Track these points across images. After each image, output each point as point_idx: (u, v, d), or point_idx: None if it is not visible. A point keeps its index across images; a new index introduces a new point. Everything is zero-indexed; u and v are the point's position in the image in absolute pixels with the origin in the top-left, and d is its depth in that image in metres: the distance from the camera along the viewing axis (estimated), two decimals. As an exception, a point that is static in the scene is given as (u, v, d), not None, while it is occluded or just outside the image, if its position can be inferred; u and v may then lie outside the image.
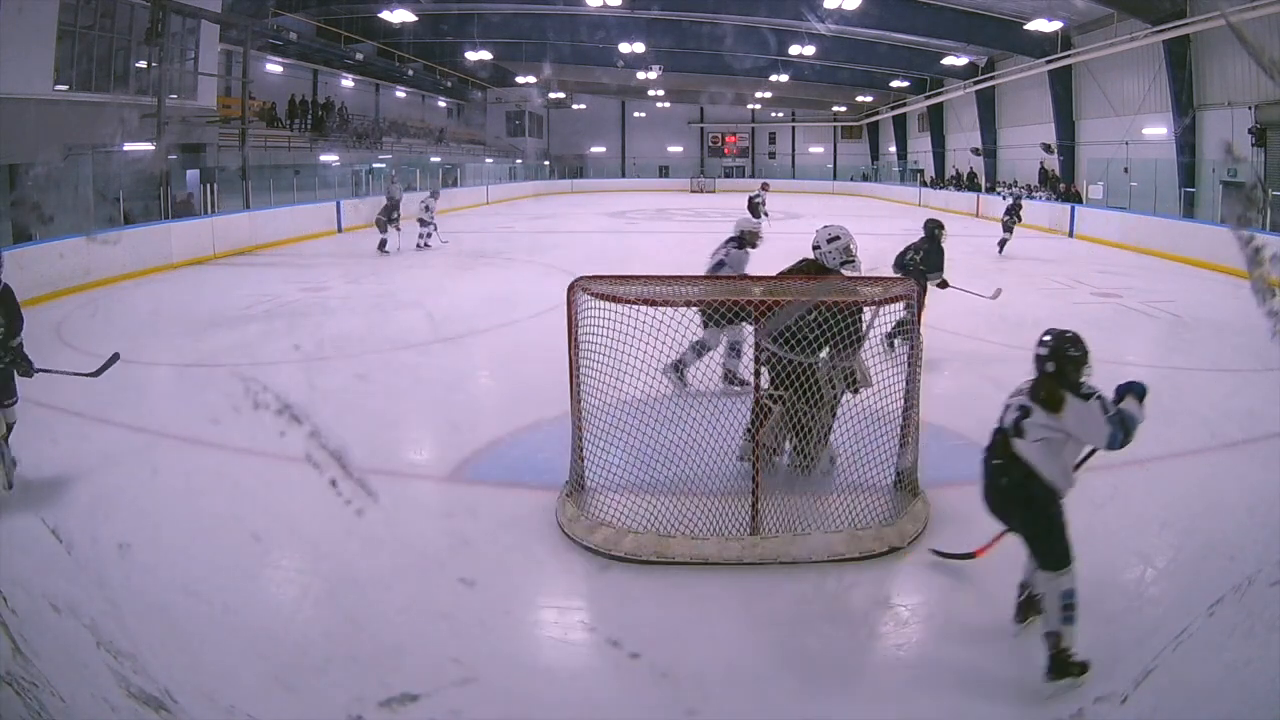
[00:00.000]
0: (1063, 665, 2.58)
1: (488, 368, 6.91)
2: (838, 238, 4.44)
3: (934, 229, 7.08)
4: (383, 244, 13.74)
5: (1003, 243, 14.12)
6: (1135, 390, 2.70)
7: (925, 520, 3.74)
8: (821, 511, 3.64)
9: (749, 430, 4.05)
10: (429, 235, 14.31)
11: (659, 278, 4.00)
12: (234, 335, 7.82)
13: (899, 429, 3.91)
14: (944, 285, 7.11)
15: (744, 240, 5.74)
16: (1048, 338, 2.70)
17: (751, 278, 4.08)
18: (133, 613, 2.87)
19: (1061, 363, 2.65)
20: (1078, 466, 2.75)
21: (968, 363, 6.79)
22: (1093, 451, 2.76)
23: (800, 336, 3.81)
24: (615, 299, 3.54)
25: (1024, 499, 2.65)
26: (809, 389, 3.80)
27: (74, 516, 3.83)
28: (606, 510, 3.64)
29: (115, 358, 4.64)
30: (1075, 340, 2.67)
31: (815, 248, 4.51)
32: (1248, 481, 4.23)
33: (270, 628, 3.01)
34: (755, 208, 16.35)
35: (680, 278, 4.13)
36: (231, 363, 6.72)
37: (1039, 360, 2.70)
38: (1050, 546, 2.62)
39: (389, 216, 13.80)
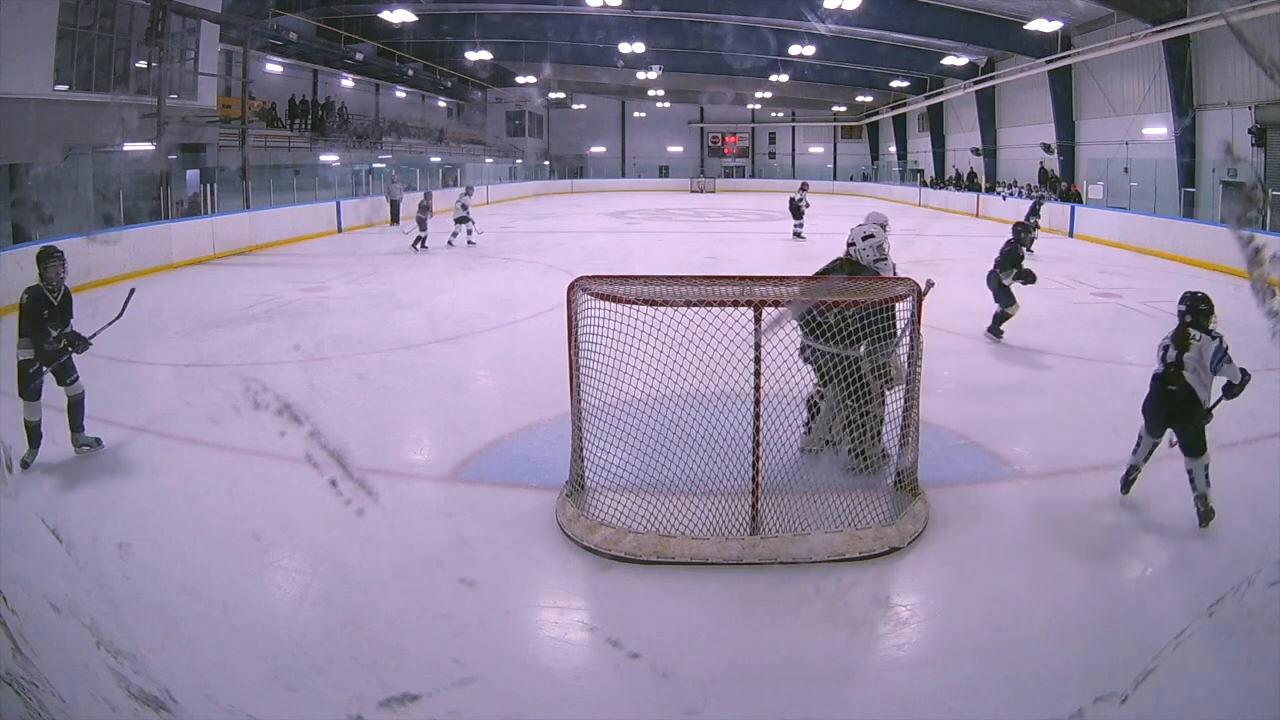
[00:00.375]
0: (1208, 514, 3.74)
1: (488, 368, 6.91)
2: (871, 235, 4.52)
3: (1018, 232, 7.51)
4: (420, 240, 14.14)
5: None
6: (1244, 371, 3.78)
7: (925, 520, 3.74)
8: (821, 511, 3.64)
9: (807, 425, 4.22)
10: (469, 231, 14.80)
11: (659, 278, 4.01)
12: (234, 335, 7.82)
13: (899, 429, 3.91)
14: (1028, 279, 7.26)
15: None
16: (1184, 297, 3.87)
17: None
18: (133, 613, 2.87)
19: (1195, 314, 3.80)
20: (1213, 407, 3.81)
21: (968, 363, 6.79)
22: (1221, 398, 3.79)
23: (836, 330, 3.88)
24: (615, 299, 3.54)
25: (1187, 410, 3.78)
26: (853, 383, 3.86)
27: (74, 516, 3.83)
28: (606, 510, 3.64)
29: (131, 292, 4.94)
30: (1205, 298, 3.84)
31: (850, 245, 4.56)
32: (1248, 481, 4.23)
33: (270, 628, 3.00)
34: (797, 208, 16.33)
35: (680, 278, 4.13)
36: (231, 363, 6.72)
37: (1180, 315, 3.85)
38: (1199, 441, 3.76)
39: (427, 214, 14.27)
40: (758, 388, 3.56)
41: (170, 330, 7.93)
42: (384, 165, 23.82)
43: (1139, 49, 16.86)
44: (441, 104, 32.80)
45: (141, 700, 1.84)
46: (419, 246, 14.06)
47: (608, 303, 3.57)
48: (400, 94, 29.43)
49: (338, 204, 17.95)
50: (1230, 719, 2.38)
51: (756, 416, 3.54)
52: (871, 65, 26.90)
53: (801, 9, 19.53)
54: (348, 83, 26.17)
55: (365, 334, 7.76)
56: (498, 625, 3.04)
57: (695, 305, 3.53)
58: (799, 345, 4.07)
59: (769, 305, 3.51)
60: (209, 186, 15.19)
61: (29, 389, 4.46)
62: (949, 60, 23.80)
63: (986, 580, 3.36)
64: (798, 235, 16.07)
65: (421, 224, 14.21)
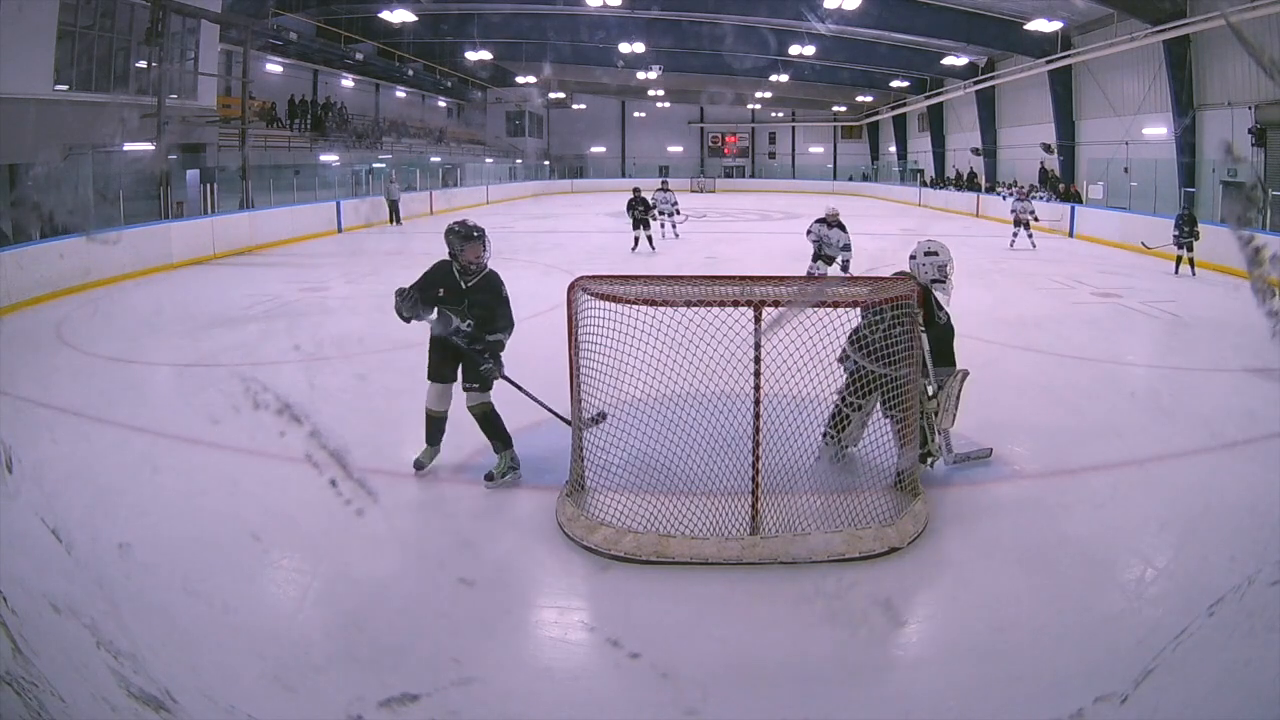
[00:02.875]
0: None
1: (488, 368, 6.90)
2: (935, 253, 4.37)
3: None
4: (648, 239, 14.25)
5: (1181, 261, 11.86)
6: None
7: (925, 520, 3.73)
8: (821, 511, 3.64)
9: (826, 432, 4.18)
10: (674, 225, 15.60)
11: (659, 278, 4.01)
12: (234, 335, 7.82)
13: (899, 429, 3.91)
14: None
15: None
16: None
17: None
18: (133, 613, 2.86)
19: None
20: None
21: (968, 363, 6.78)
22: None
23: (878, 346, 3.77)
24: (615, 299, 3.54)
25: None
26: (895, 399, 3.81)
27: (74, 516, 3.83)
28: (606, 510, 3.64)
29: (601, 417, 3.81)
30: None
31: (911, 258, 4.43)
32: (1248, 481, 4.22)
33: (270, 628, 3.00)
34: (1025, 221, 15.39)
35: (680, 278, 4.13)
36: (231, 363, 6.71)
37: None
38: None
39: (643, 214, 14.16)
40: (758, 388, 3.56)
41: (170, 330, 7.93)
42: (384, 165, 23.82)
43: (1139, 49, 16.87)
44: (441, 104, 32.80)
45: (142, 700, 1.84)
46: (650, 245, 14.26)
47: (608, 303, 3.57)
48: (400, 94, 29.43)
49: (338, 204, 17.96)
50: (1230, 719, 2.37)
51: (756, 416, 3.53)
52: (871, 65, 26.91)
53: (801, 9, 19.55)
54: (348, 83, 26.17)
55: (365, 334, 7.74)
56: (498, 625, 3.04)
57: (695, 305, 3.53)
58: (839, 352, 3.92)
59: (769, 305, 3.51)
60: (209, 186, 15.20)
61: (430, 366, 4.28)
62: (949, 60, 23.82)
63: (986, 580, 3.36)
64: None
65: (645, 224, 14.17)
